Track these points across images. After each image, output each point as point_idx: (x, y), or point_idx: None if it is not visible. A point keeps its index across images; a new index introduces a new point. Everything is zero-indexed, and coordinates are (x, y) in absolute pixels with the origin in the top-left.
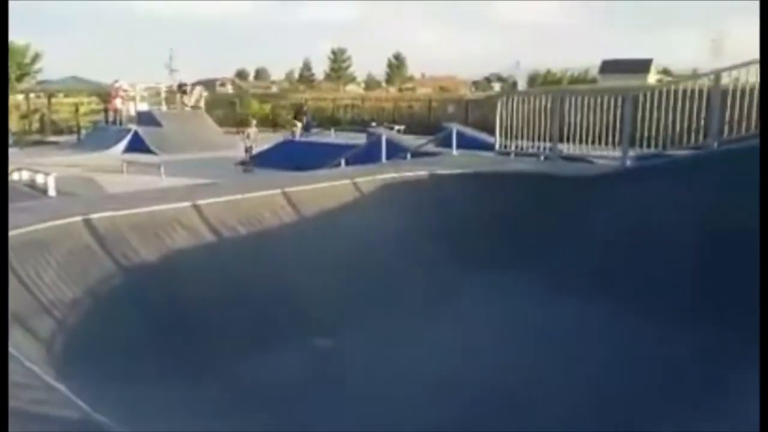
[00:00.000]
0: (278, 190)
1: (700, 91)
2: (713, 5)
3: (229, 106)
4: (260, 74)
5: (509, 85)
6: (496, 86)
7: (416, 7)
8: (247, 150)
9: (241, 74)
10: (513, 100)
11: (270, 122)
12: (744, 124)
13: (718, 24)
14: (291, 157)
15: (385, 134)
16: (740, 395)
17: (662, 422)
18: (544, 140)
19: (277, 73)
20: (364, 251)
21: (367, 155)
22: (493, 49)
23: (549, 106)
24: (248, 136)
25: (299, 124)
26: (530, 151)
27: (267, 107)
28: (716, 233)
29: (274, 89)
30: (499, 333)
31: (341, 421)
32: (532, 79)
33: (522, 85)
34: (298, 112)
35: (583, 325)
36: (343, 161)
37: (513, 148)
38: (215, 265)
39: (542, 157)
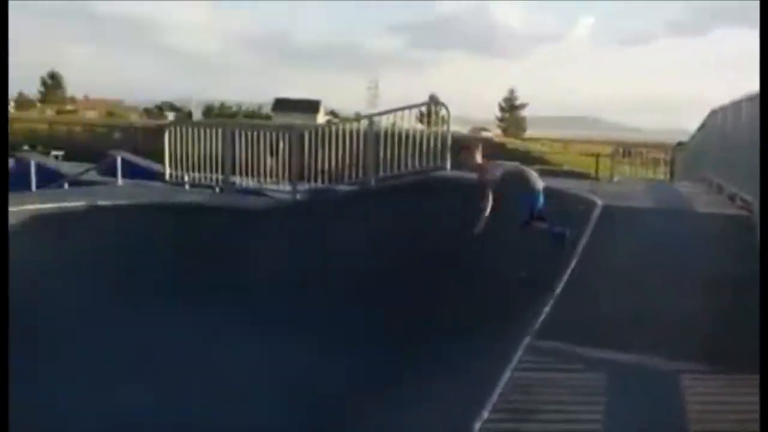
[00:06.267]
0: None
1: (359, 133)
2: (371, 55)
3: None
4: None
5: (184, 115)
6: (170, 115)
7: (74, 23)
8: None
9: None
10: (184, 129)
11: None
12: (396, 163)
13: (376, 73)
14: None
15: (36, 160)
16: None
17: None
18: (219, 172)
19: None
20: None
21: (13, 183)
22: (166, 76)
23: (222, 138)
24: None
25: None
26: (205, 182)
27: None
28: (383, 257)
29: None
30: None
31: None
32: (208, 111)
33: (197, 116)
34: None
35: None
36: None
37: (186, 179)
38: None
39: (217, 189)
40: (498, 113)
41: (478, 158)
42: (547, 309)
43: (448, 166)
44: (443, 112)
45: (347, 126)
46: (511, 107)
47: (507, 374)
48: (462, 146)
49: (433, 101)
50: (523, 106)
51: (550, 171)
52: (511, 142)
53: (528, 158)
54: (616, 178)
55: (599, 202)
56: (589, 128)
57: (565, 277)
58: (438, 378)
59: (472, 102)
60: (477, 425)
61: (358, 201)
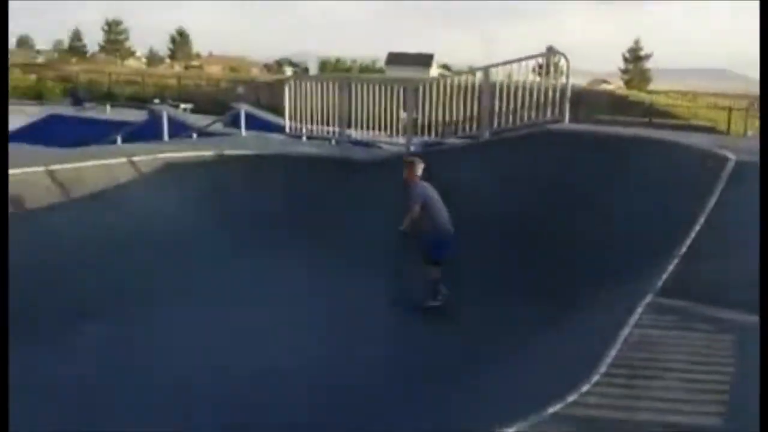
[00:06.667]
0: (41, 168)
1: (473, 86)
2: (484, 7)
3: None
4: (22, 42)
5: (301, 70)
6: (288, 70)
7: None
8: None
9: None
10: (303, 84)
11: (35, 94)
12: (511, 115)
13: (490, 25)
14: (58, 134)
15: (167, 112)
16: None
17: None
18: (334, 125)
19: (43, 43)
20: (142, 234)
21: (147, 133)
22: (285, 33)
23: (338, 92)
24: None
25: None
26: (321, 134)
27: (32, 78)
28: (492, 212)
29: (40, 59)
30: (304, 310)
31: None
32: (323, 66)
33: (313, 71)
34: None
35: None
36: (119, 139)
37: (304, 131)
38: None
39: (333, 141)
40: (622, 65)
41: (415, 175)
42: (671, 267)
43: (566, 118)
44: (562, 62)
45: (462, 78)
46: (635, 58)
47: (627, 330)
48: (406, 161)
49: (551, 52)
50: (648, 56)
51: (675, 125)
52: (635, 95)
53: (653, 111)
54: (750, 133)
55: (732, 157)
56: (719, 80)
57: (692, 235)
58: (558, 330)
59: (594, 53)
60: (595, 378)
61: (472, 153)
